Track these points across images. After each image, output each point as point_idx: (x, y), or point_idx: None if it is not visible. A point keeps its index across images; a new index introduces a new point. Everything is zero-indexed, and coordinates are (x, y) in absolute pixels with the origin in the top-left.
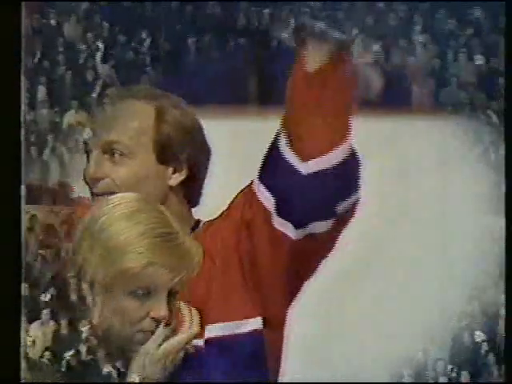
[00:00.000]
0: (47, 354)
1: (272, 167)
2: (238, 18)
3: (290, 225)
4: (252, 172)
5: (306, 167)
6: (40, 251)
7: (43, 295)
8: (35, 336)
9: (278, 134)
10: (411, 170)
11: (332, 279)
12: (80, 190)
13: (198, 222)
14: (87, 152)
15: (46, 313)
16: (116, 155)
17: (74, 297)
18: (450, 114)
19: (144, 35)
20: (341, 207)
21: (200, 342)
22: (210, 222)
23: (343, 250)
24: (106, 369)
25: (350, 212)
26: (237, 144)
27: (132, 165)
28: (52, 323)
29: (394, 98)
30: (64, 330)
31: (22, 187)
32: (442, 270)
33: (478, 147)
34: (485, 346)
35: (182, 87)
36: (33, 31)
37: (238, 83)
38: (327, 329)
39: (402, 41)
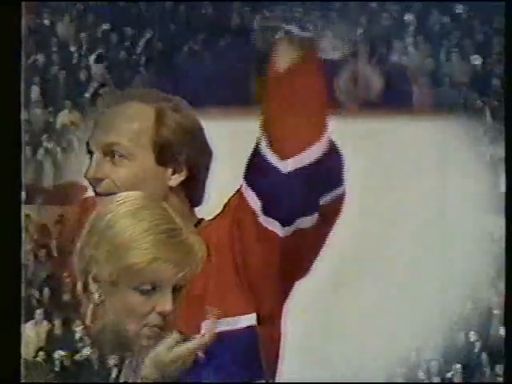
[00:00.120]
0: (41, 353)
1: (255, 168)
2: (232, 18)
3: (277, 223)
4: None
5: (286, 166)
6: (35, 251)
7: (37, 295)
8: (29, 336)
9: (259, 136)
10: (411, 170)
11: (331, 280)
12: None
13: (200, 220)
14: (90, 153)
15: (39, 313)
16: (116, 156)
17: (67, 296)
18: (443, 114)
19: (138, 35)
20: (323, 200)
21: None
22: (209, 221)
23: (341, 251)
24: (112, 361)
25: (335, 207)
26: (237, 144)
27: (132, 166)
28: (45, 323)
29: (393, 98)
30: (58, 330)
31: (23, 188)
32: (440, 270)
33: (472, 147)
34: (478, 346)
35: (176, 87)
36: (28, 31)
37: (237, 83)
38: (325, 329)
39: (396, 41)
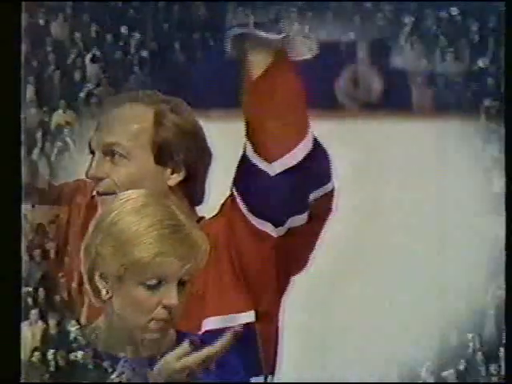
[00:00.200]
0: (36, 354)
1: (243, 173)
2: (226, 18)
3: (269, 224)
4: None
5: (273, 169)
6: (30, 251)
7: (32, 295)
8: (24, 336)
9: (245, 142)
10: (410, 170)
11: (328, 279)
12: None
13: (201, 218)
14: (92, 152)
15: (34, 313)
16: (116, 156)
17: (63, 295)
18: (439, 115)
19: (132, 35)
20: (313, 197)
21: (199, 335)
22: (209, 219)
23: (339, 250)
24: (123, 354)
25: (325, 203)
26: (236, 145)
27: (131, 165)
28: (40, 323)
29: (392, 99)
30: (53, 330)
31: (23, 188)
32: (436, 270)
33: (467, 147)
34: (473, 346)
35: (171, 87)
36: (24, 30)
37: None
38: (324, 328)
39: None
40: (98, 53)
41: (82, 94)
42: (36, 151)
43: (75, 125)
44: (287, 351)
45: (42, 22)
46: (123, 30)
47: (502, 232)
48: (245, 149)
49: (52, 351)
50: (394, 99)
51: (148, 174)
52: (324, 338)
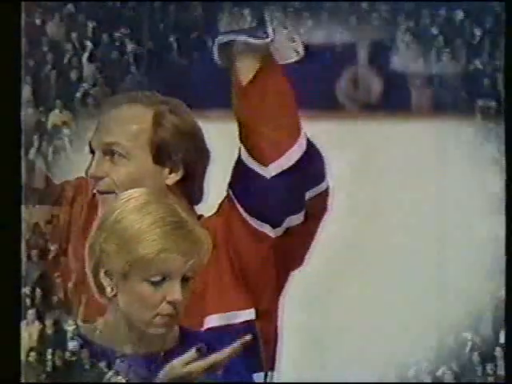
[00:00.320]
0: (32, 354)
1: (239, 176)
2: (221, 18)
3: (267, 225)
4: None
5: (268, 172)
6: (26, 251)
7: (29, 295)
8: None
9: (239, 146)
10: (409, 170)
11: (328, 280)
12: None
13: (200, 217)
14: (92, 152)
15: (31, 313)
16: (116, 156)
17: (59, 296)
18: (436, 115)
19: (128, 35)
20: (308, 196)
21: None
22: (207, 218)
23: (339, 251)
24: (127, 351)
25: (320, 201)
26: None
27: (130, 165)
28: (37, 323)
29: (391, 100)
30: (49, 330)
31: (23, 188)
32: (433, 270)
33: (463, 148)
34: (470, 346)
35: (168, 87)
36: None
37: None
38: (322, 328)
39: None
40: (94, 53)
41: (78, 94)
42: (33, 151)
43: (72, 125)
44: (286, 351)
45: (38, 21)
46: (119, 29)
47: (501, 232)
48: (239, 152)
49: (49, 351)
50: (393, 100)
51: (146, 173)
52: (323, 338)
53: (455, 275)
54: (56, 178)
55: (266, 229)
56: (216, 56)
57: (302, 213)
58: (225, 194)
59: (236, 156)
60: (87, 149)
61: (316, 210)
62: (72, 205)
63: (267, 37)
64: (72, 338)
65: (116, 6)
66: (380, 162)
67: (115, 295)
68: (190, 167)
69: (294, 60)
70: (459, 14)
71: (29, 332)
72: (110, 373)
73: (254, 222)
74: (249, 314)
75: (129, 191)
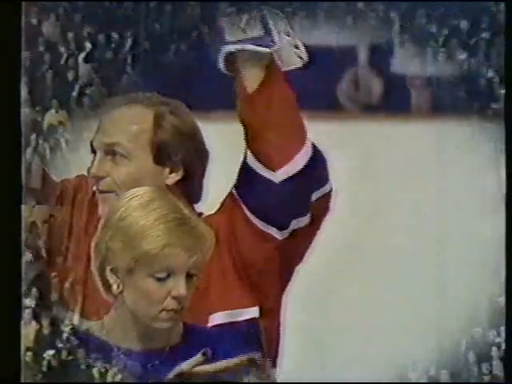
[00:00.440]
0: (29, 354)
1: (246, 180)
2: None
3: (274, 228)
4: None
5: (277, 177)
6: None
7: (25, 295)
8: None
9: (245, 151)
10: (409, 170)
11: (329, 280)
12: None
13: (200, 215)
14: (93, 152)
15: (27, 313)
16: (117, 156)
17: (55, 296)
18: (436, 116)
19: (124, 35)
20: (313, 198)
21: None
22: (209, 215)
23: (339, 251)
24: (133, 346)
25: (324, 203)
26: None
27: (131, 165)
28: (34, 323)
29: (391, 101)
30: (46, 330)
31: (23, 188)
32: (438, 271)
33: (465, 148)
34: (465, 345)
35: (164, 87)
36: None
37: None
38: (323, 328)
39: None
40: (90, 53)
41: (74, 94)
42: (29, 151)
43: (67, 125)
44: (286, 351)
45: (34, 21)
46: (115, 29)
47: (502, 232)
48: (245, 156)
49: (45, 351)
50: (393, 101)
51: (147, 173)
52: (323, 338)
53: (455, 275)
54: (53, 177)
55: (272, 231)
56: (221, 64)
57: (308, 215)
58: (224, 192)
59: (232, 156)
60: (83, 149)
61: (320, 212)
62: (73, 203)
63: (274, 45)
64: (69, 338)
65: (113, 6)
66: (380, 163)
67: (121, 292)
68: (189, 167)
69: (297, 66)
70: (455, 15)
71: (26, 332)
72: (110, 372)
73: (259, 223)
74: (253, 312)
75: (133, 190)
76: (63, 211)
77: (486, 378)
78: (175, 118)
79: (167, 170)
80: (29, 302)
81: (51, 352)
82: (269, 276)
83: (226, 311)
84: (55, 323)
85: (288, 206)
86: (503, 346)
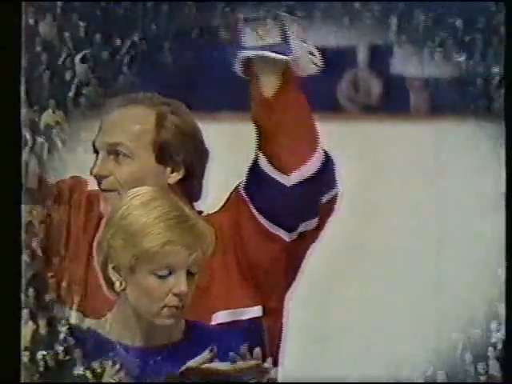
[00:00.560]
0: (26, 353)
1: (256, 182)
2: (213, 19)
3: (282, 230)
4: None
5: (289, 180)
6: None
7: (22, 295)
8: None
9: (257, 153)
10: (409, 171)
11: (329, 280)
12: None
13: (200, 213)
14: (95, 152)
15: (25, 313)
16: (120, 156)
17: (52, 296)
18: (434, 116)
19: (121, 35)
20: (321, 202)
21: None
22: (212, 213)
23: (340, 252)
24: (136, 344)
25: (331, 206)
26: (233, 145)
27: (133, 165)
28: (31, 323)
29: (390, 102)
30: (42, 330)
31: (23, 188)
32: (438, 271)
33: (465, 148)
34: (462, 345)
35: (161, 88)
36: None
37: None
38: (323, 328)
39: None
40: (87, 53)
41: (70, 94)
42: (26, 151)
43: (64, 125)
44: (287, 351)
45: (31, 21)
46: (112, 29)
47: (502, 232)
48: (256, 158)
49: (42, 351)
50: (392, 102)
51: (149, 172)
52: (323, 338)
53: (454, 275)
54: (50, 177)
55: (281, 232)
56: (238, 69)
57: (317, 218)
58: (223, 191)
59: (235, 154)
60: (80, 149)
61: (326, 213)
62: (69, 204)
63: (291, 52)
64: (66, 338)
65: (109, 6)
66: (380, 163)
67: (124, 289)
68: (190, 166)
69: (313, 73)
70: (451, 15)
71: (23, 332)
72: (111, 370)
73: (267, 224)
74: (256, 311)
75: (135, 189)
76: (60, 211)
77: (483, 378)
78: (177, 117)
79: (169, 169)
80: (26, 301)
81: (48, 352)
82: (274, 276)
83: (229, 310)
84: (52, 323)
85: (298, 209)
86: (499, 346)
